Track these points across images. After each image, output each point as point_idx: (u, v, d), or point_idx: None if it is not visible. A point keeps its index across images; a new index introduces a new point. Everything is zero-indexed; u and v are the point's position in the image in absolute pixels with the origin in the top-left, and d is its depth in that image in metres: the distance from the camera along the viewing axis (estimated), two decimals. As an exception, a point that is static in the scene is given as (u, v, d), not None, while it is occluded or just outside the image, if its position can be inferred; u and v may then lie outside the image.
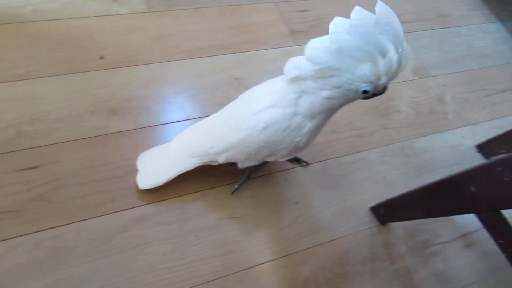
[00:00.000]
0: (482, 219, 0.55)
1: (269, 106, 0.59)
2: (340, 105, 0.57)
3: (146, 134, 0.79)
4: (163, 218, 0.71)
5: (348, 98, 0.54)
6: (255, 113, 0.60)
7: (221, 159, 0.67)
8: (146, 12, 0.96)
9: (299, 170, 0.81)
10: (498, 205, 0.52)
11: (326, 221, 0.77)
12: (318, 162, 0.84)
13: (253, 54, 0.96)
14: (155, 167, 0.72)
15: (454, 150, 0.95)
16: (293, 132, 0.60)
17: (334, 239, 0.75)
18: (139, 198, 0.72)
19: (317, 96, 0.55)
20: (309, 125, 0.59)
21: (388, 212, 0.76)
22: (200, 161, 0.70)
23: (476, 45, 1.19)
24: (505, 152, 0.91)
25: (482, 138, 0.97)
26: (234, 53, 0.95)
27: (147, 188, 0.71)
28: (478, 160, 0.94)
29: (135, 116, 0.80)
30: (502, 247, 0.53)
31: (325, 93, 0.53)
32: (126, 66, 0.87)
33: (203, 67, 0.91)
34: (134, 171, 0.73)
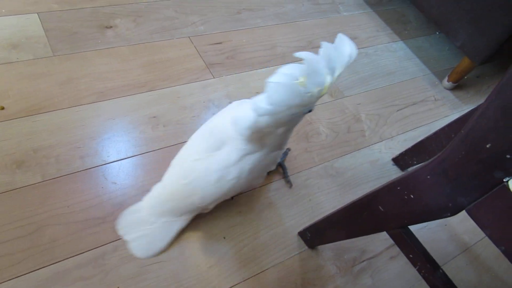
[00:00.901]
0: (392, 236, 0.57)
1: (244, 154, 0.63)
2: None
3: (56, 186, 0.73)
4: (80, 273, 0.66)
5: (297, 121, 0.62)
6: (236, 162, 0.63)
7: (212, 206, 0.72)
8: (51, 57, 0.91)
9: (223, 203, 0.80)
10: (404, 221, 0.54)
11: (255, 252, 0.76)
12: (243, 193, 0.84)
13: (170, 91, 0.95)
14: (147, 234, 0.72)
15: (373, 165, 1.00)
16: (266, 161, 0.67)
17: (264, 270, 0.75)
18: (53, 254, 0.66)
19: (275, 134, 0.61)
20: (275, 152, 0.67)
21: (314, 235, 0.77)
22: (192, 215, 0.73)
23: (383, 63, 1.27)
24: (416, 163, 0.98)
25: (397, 151, 1.04)
26: (149, 91, 0.93)
27: (150, 257, 0.71)
28: (395, 173, 1.00)
29: (44, 167, 0.75)
30: (412, 261, 0.55)
31: (280, 130, 0.61)
32: (31, 114, 0.81)
33: (117, 108, 0.88)
34: (45, 226, 0.67)
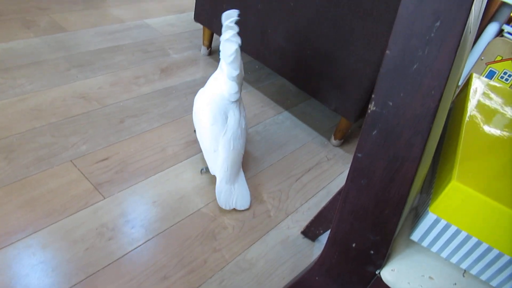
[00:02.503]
0: None
1: (238, 106, 1.05)
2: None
3: None
4: None
5: None
6: (241, 114, 1.06)
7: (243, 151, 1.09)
8: None
9: None
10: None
11: None
12: None
13: (56, 227, 0.88)
14: (238, 195, 1.05)
15: (284, 244, 1.00)
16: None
17: None
18: None
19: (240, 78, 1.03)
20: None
21: None
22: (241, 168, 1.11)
23: (273, 137, 1.34)
24: (323, 232, 1.01)
25: (304, 222, 1.06)
26: (32, 233, 0.85)
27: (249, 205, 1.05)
28: (307, 245, 1.02)
29: None
30: None
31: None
32: None
33: (1, 262, 0.78)
34: None
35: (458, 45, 0.33)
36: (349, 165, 1.30)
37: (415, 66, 0.36)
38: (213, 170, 1.03)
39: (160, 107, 1.31)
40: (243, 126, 1.05)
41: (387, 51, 0.37)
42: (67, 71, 1.33)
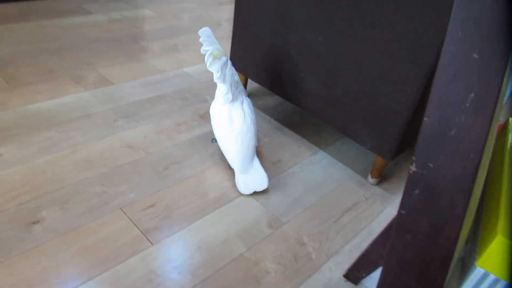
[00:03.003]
0: None
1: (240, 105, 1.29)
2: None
3: None
4: None
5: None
6: (244, 113, 1.28)
7: (257, 144, 1.31)
8: (-25, 277, 0.87)
9: None
10: None
11: None
12: None
13: (107, 276, 0.92)
14: (255, 179, 1.25)
15: (328, 288, 1.00)
16: (248, 106, 1.32)
17: None
18: None
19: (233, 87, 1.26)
20: (246, 101, 1.32)
21: None
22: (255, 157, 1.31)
23: (310, 177, 1.36)
24: (365, 275, 1.00)
25: (345, 264, 1.06)
26: (88, 280, 0.90)
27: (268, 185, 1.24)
28: (350, 290, 1.01)
29: None
30: None
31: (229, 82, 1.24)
32: None
33: (55, 314, 0.83)
34: None
35: (494, 113, 0.36)
36: (388, 204, 1.30)
37: (452, 132, 0.38)
38: (231, 164, 1.25)
39: (201, 152, 1.37)
40: (249, 122, 1.26)
41: (425, 118, 0.40)
42: (115, 122, 1.43)
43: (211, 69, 1.17)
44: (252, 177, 1.24)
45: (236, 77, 1.27)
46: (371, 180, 1.39)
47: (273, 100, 1.77)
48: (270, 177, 1.31)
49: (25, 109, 1.41)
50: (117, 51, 1.92)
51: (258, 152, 1.42)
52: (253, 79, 1.59)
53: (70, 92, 1.54)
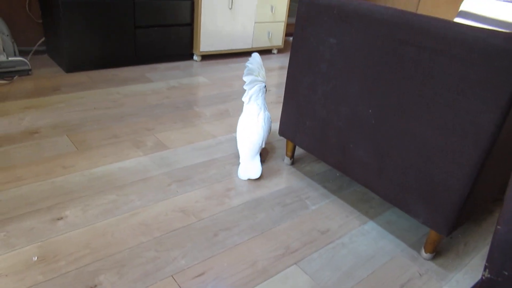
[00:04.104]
0: None
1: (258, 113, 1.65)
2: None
3: None
4: None
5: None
6: (258, 118, 1.65)
7: (263, 145, 1.69)
8: None
9: None
10: None
11: None
12: None
13: None
14: (252, 168, 1.64)
15: None
16: (266, 116, 1.69)
17: None
18: None
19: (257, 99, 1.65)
20: (266, 113, 1.70)
21: None
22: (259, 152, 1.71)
23: (360, 249, 1.33)
24: None
25: None
26: None
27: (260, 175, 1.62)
28: None
29: None
30: None
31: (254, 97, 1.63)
32: None
33: None
34: None
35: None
36: (445, 283, 1.23)
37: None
38: (239, 151, 1.67)
39: (249, 219, 1.39)
40: (255, 121, 1.62)
41: (498, 226, 0.40)
42: (169, 186, 1.51)
43: (244, 79, 1.56)
44: (250, 166, 1.63)
45: (262, 98, 1.64)
46: (424, 254, 1.33)
47: (320, 166, 1.79)
48: (318, 247, 1.30)
49: (91, 172, 1.52)
50: (173, 117, 2.06)
51: (264, 150, 1.82)
52: (301, 146, 1.63)
53: (130, 157, 1.66)
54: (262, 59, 3.25)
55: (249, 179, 1.62)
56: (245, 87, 1.59)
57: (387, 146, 1.29)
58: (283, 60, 3.34)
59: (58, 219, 1.27)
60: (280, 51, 3.58)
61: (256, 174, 1.62)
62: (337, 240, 1.36)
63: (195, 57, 3.01)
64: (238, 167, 1.68)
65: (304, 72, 1.52)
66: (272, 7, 3.21)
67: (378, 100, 1.28)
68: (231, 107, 2.28)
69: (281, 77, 2.91)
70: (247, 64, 1.56)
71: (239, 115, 2.19)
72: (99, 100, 2.15)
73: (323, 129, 1.51)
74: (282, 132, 1.71)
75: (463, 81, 1.06)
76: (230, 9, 2.94)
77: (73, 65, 2.46)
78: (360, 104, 1.34)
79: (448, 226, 1.21)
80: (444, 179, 1.17)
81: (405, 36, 1.16)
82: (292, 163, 1.79)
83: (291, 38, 4.05)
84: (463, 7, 2.31)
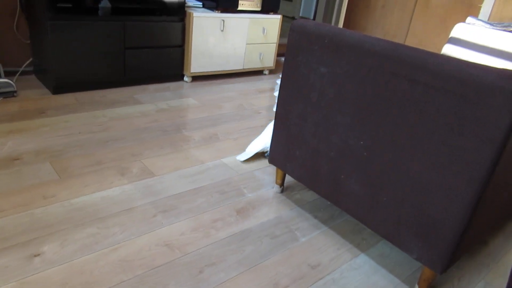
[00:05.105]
0: None
1: None
2: None
3: None
4: None
5: None
6: None
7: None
8: None
9: None
10: None
11: None
12: None
13: None
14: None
15: None
16: None
17: None
18: None
19: None
20: None
21: None
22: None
23: (352, 286, 1.28)
24: None
25: None
26: None
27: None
28: None
29: None
30: None
31: None
32: None
33: None
34: None
35: None
36: (440, 323, 1.18)
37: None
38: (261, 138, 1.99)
39: (237, 253, 1.33)
40: None
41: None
42: (154, 217, 1.45)
43: (275, 94, 1.90)
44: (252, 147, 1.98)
45: None
46: (418, 291, 1.28)
47: (311, 194, 1.75)
48: (308, 284, 1.24)
49: (71, 203, 1.46)
50: (161, 141, 2.01)
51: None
52: (291, 175, 1.59)
53: (114, 185, 1.60)
54: (253, 81, 3.24)
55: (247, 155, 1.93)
56: (275, 93, 1.96)
57: (380, 179, 1.26)
58: (275, 82, 3.33)
59: (35, 255, 1.20)
60: (271, 71, 3.57)
61: (242, 156, 1.96)
62: (328, 275, 1.31)
63: (185, 78, 2.98)
64: (223, 195, 1.63)
65: (294, 100, 1.49)
66: (263, 29, 3.21)
67: (370, 132, 1.25)
68: (220, 131, 2.24)
69: (273, 99, 2.89)
70: (277, 81, 1.79)
71: (228, 139, 2.15)
72: (85, 123, 2.09)
73: (314, 159, 1.47)
74: (272, 159, 1.67)
75: (458, 118, 1.03)
76: (222, 31, 2.93)
77: (60, 87, 2.41)
78: (352, 136, 1.31)
79: (443, 263, 1.17)
80: (439, 215, 1.13)
81: (397, 70, 1.14)
82: (282, 191, 1.74)
83: (283, 59, 4.06)
84: (453, 33, 2.32)
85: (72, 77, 2.40)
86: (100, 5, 2.37)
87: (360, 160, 1.30)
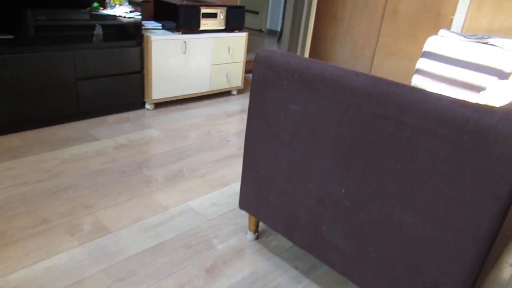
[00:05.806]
0: None
1: None
2: None
3: None
4: None
5: None
6: None
7: None
8: None
9: None
10: None
11: None
12: None
13: None
14: None
15: None
16: None
17: None
18: None
19: None
20: None
21: None
22: None
23: None
24: None
25: None
26: None
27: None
28: None
29: None
30: None
31: None
32: None
33: None
34: None
35: None
36: None
37: None
38: None
39: (207, 331, 1.13)
40: None
41: None
42: (107, 289, 1.23)
43: None
44: None
45: None
46: None
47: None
48: None
49: (8, 280, 1.22)
50: (119, 186, 1.79)
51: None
52: (266, 223, 1.41)
53: (62, 250, 1.37)
54: (221, 103, 3.05)
55: None
56: None
57: (367, 232, 1.09)
58: (244, 102, 3.15)
59: None
60: (240, 91, 3.40)
61: None
62: None
63: (147, 106, 2.76)
64: (189, 250, 1.43)
65: (264, 140, 1.31)
66: (229, 48, 3.03)
67: (352, 179, 1.09)
68: (186, 166, 2.03)
69: (243, 122, 2.71)
70: None
71: (194, 176, 1.95)
72: (31, 170, 1.84)
73: (290, 207, 1.29)
74: (243, 205, 1.48)
75: (454, 166, 0.88)
76: (184, 53, 2.73)
77: (3, 127, 2.14)
78: (331, 182, 1.14)
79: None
80: (435, 276, 0.97)
81: (380, 109, 0.98)
82: (257, 237, 1.55)
83: (251, 75, 3.90)
84: (427, 47, 2.21)
85: (17, 115, 2.14)
86: (45, 35, 2.13)
87: (342, 210, 1.13)
